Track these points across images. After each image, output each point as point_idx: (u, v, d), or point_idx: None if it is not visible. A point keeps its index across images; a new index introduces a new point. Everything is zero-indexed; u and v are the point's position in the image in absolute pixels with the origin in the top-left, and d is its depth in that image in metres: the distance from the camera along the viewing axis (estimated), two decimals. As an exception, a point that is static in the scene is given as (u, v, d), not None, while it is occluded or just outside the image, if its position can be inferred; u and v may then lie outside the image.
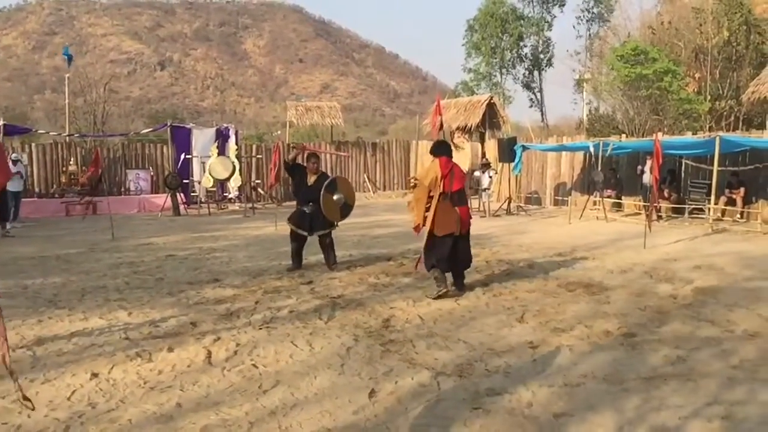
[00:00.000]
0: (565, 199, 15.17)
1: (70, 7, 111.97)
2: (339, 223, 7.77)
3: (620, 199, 14.52)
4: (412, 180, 6.62)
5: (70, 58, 19.20)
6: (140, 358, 4.34)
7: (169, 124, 17.33)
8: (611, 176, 14.31)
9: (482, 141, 17.98)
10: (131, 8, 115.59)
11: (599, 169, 13.55)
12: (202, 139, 17.15)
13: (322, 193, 7.26)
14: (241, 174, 16.67)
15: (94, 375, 4.01)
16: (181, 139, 17.01)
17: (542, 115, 32.45)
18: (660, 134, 11.47)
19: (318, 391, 3.73)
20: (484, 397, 3.60)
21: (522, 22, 30.21)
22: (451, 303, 5.85)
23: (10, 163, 12.61)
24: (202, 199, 16.14)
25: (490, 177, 14.58)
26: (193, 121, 30.94)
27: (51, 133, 18.94)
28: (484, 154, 16.67)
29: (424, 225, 6.13)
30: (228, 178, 16.02)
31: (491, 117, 17.59)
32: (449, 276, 6.26)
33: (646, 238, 9.29)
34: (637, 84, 16.53)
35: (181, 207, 15.54)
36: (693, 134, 14.00)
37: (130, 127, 33.40)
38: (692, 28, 18.99)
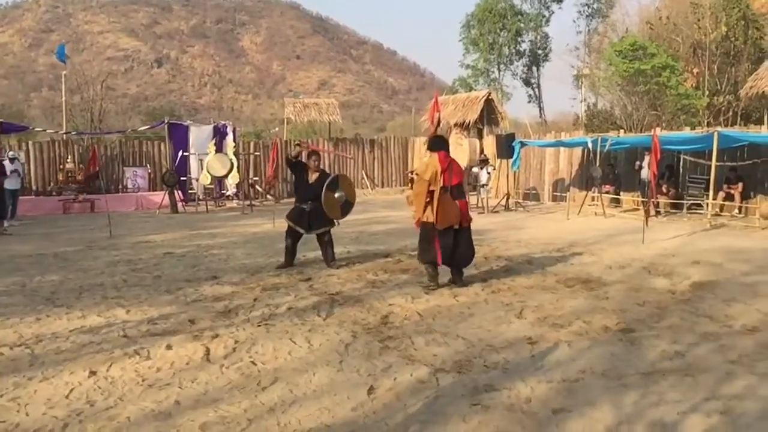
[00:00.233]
0: (564, 195, 15.18)
1: (66, 4, 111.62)
2: (339, 222, 7.77)
3: (618, 194, 14.54)
4: (411, 174, 6.64)
5: (61, 57, 18.96)
6: (138, 355, 4.33)
7: (166, 121, 17.27)
8: (609, 172, 14.31)
9: (480, 137, 17.97)
10: (128, 5, 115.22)
11: (597, 164, 13.56)
12: (199, 136, 17.12)
13: (324, 190, 7.26)
14: (238, 171, 16.63)
15: (93, 373, 4.00)
16: (179, 137, 16.96)
17: (540, 111, 32.49)
18: (658, 130, 11.47)
19: (317, 388, 3.73)
20: (482, 393, 3.60)
21: (520, 17, 30.18)
22: (450, 299, 5.85)
23: (7, 162, 12.59)
24: (200, 197, 16.11)
25: (489, 173, 14.56)
26: (190, 119, 30.93)
27: (48, 131, 18.87)
28: (482, 151, 16.66)
29: (423, 218, 6.16)
30: (226, 176, 16.00)
31: (489, 113, 17.57)
32: (449, 275, 6.27)
33: (644, 234, 9.30)
34: (635, 79, 16.52)
35: (179, 204, 15.51)
36: (691, 129, 14.01)
37: (127, 124, 33.37)
38: (690, 23, 18.98)
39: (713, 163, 11.03)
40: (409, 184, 6.77)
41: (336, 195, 7.46)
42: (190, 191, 16.70)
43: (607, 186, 14.16)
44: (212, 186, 16.81)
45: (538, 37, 31.45)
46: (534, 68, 31.94)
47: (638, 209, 13.27)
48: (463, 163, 16.86)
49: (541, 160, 16.99)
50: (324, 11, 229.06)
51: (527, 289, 6.22)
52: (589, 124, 19.81)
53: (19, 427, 3.25)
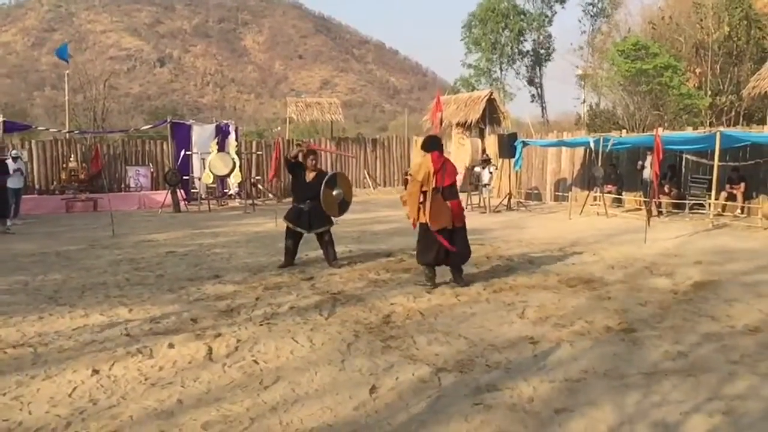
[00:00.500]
0: (566, 194, 15.17)
1: (69, 3, 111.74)
2: (337, 220, 7.77)
3: (620, 194, 14.51)
4: (406, 175, 6.65)
5: (62, 55, 18.93)
6: (141, 354, 4.34)
7: (168, 120, 17.29)
8: (611, 172, 14.30)
9: (482, 137, 17.96)
10: (130, 5, 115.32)
11: (599, 164, 13.54)
12: (202, 135, 17.13)
13: (322, 187, 7.27)
14: (241, 170, 16.65)
15: (95, 371, 4.01)
16: (181, 136, 16.99)
17: (543, 110, 32.46)
18: (660, 129, 11.45)
19: (319, 387, 3.73)
20: (484, 392, 3.60)
21: (523, 17, 30.15)
22: (452, 298, 5.85)
23: (10, 160, 12.61)
24: (203, 196, 16.12)
25: (491, 173, 14.55)
26: (192, 118, 30.94)
27: (51, 130, 18.90)
28: (484, 150, 16.65)
29: (418, 219, 6.17)
30: (228, 175, 16.00)
31: (491, 113, 17.57)
32: (449, 273, 6.27)
33: (646, 234, 9.29)
34: (637, 79, 16.51)
35: (182, 203, 15.52)
36: (693, 129, 13.98)
37: (129, 123, 33.39)
38: (693, 23, 18.96)
39: (715, 163, 11.00)
40: (405, 185, 6.80)
41: (334, 192, 7.47)
42: (192, 190, 16.72)
43: (609, 186, 14.14)
44: (214, 185, 16.84)
45: (541, 37, 31.43)
46: (537, 68, 31.91)
47: (640, 209, 13.24)
48: (465, 162, 16.94)
49: (543, 159, 16.97)
50: (326, 11, 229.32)
51: (529, 288, 6.22)
52: (591, 124, 19.81)
53: (22, 425, 3.26)
